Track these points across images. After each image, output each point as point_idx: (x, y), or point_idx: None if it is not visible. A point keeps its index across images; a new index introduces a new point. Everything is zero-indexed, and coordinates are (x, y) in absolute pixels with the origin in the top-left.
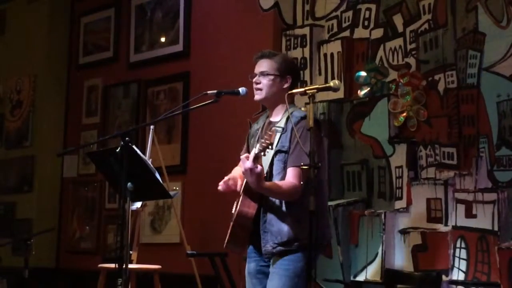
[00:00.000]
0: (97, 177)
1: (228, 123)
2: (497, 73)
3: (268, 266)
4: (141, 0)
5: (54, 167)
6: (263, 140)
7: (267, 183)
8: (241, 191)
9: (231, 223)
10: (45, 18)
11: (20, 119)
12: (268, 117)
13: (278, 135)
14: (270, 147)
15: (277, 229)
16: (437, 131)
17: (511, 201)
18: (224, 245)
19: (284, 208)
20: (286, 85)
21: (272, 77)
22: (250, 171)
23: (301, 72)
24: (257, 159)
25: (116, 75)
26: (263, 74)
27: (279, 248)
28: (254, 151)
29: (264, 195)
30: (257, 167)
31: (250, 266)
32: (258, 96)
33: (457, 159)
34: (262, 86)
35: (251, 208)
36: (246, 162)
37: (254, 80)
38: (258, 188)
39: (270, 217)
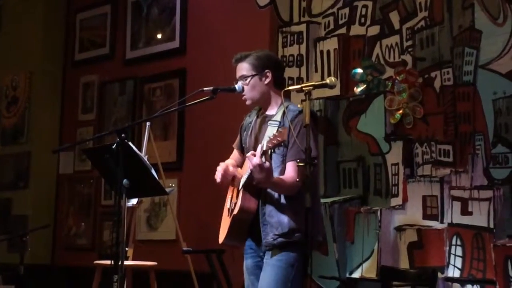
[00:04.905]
0: (93, 174)
1: (224, 120)
2: (493, 71)
3: None
4: None
5: (50, 164)
6: (272, 137)
7: (275, 178)
8: (241, 187)
9: (231, 218)
10: (41, 14)
11: (16, 115)
12: (261, 110)
13: (275, 128)
14: (283, 144)
15: (277, 220)
16: (433, 129)
17: (507, 199)
18: (222, 240)
19: (282, 200)
20: (267, 80)
21: (249, 78)
22: (259, 168)
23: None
24: (264, 154)
25: (112, 71)
26: (241, 78)
27: (280, 239)
28: (261, 147)
29: (263, 190)
30: (265, 163)
31: (247, 262)
32: (247, 102)
33: (453, 156)
34: (245, 92)
35: (252, 203)
36: (253, 158)
37: None
38: (267, 184)
39: (270, 209)
